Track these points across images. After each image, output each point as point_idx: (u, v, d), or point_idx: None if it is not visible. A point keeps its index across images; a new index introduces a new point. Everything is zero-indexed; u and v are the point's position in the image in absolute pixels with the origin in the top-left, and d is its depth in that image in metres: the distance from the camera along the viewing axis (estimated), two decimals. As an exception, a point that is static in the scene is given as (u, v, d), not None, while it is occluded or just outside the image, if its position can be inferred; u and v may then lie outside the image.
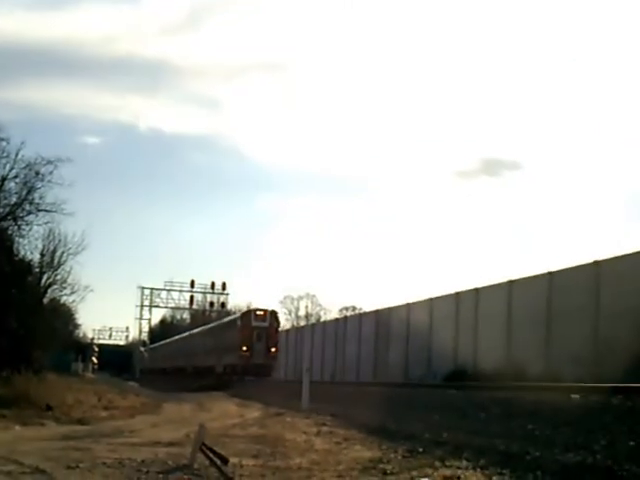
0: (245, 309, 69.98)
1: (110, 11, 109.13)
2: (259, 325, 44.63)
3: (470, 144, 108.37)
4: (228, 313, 75.63)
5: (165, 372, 72.67)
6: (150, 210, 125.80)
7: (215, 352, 51.80)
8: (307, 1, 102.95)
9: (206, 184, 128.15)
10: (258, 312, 45.68)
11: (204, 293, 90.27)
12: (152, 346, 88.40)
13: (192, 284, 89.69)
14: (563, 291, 24.93)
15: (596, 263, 23.33)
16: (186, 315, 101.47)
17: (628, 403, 11.90)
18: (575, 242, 75.65)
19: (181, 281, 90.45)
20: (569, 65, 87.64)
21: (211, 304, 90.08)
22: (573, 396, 13.84)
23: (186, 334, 69.50)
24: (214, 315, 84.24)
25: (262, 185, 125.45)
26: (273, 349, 44.94)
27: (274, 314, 46.46)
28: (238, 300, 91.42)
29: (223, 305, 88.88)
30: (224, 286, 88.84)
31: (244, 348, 44.21)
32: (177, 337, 73.36)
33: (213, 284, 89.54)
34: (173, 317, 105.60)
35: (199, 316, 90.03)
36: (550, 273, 25.85)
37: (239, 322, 46.09)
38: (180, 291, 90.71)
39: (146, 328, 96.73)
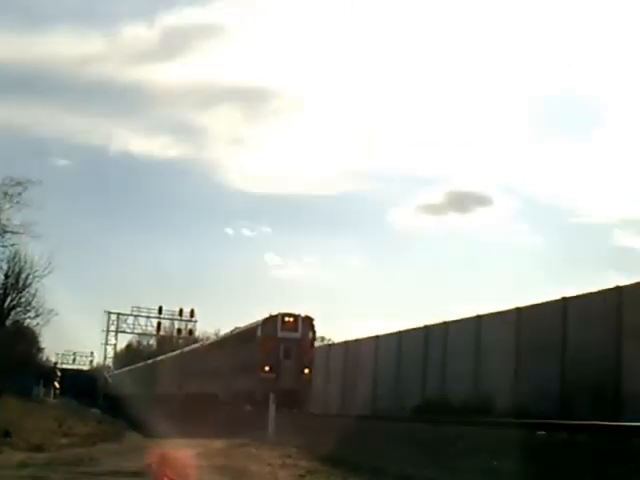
0: (213, 334, 61.54)
1: (84, 35, 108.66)
2: (288, 336, 32.07)
3: (438, 178, 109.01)
4: (195, 340, 74.81)
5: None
6: (118, 234, 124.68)
7: (219, 375, 40.04)
8: (281, 32, 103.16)
9: (176, 210, 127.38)
10: (287, 318, 32.48)
11: (172, 320, 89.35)
12: (119, 371, 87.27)
13: (160, 310, 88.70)
14: (531, 327, 25.02)
15: (564, 299, 23.47)
16: (153, 341, 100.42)
17: (592, 441, 11.91)
18: (542, 279, 76.23)
19: (148, 307, 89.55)
20: (533, 101, 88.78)
21: (179, 331, 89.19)
22: (539, 432, 13.83)
23: (172, 354, 60.28)
24: (181, 342, 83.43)
25: (234, 212, 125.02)
26: (307, 370, 32.13)
27: (309, 321, 32.66)
28: (206, 327, 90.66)
29: (191, 332, 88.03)
30: (192, 313, 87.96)
31: (266, 368, 31.66)
32: (153, 360, 67.07)
33: (181, 311, 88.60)
34: (139, 343, 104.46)
35: (166, 343, 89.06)
36: (518, 309, 25.95)
37: (259, 332, 33.11)
38: (147, 317, 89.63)
39: (111, 353, 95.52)
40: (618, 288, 21.24)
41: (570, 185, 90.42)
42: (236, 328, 39.06)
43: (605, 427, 13.25)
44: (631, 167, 78.88)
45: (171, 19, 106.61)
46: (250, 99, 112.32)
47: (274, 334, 32.09)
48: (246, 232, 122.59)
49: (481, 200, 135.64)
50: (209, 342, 47.91)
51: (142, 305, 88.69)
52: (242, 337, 36.87)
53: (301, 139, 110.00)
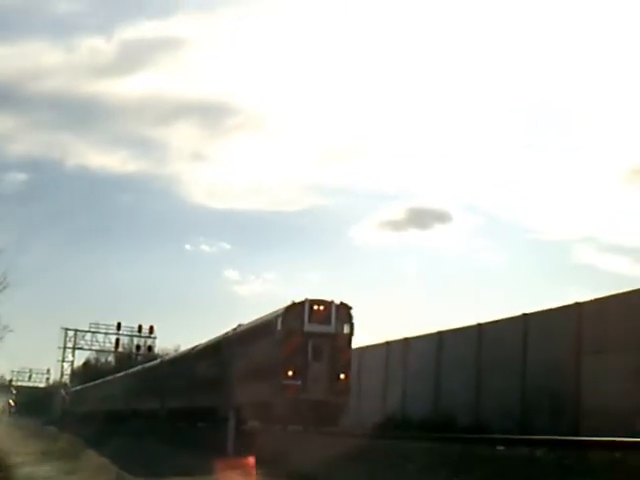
0: (181, 348, 56.64)
1: (44, 48, 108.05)
2: (319, 330, 24.97)
3: (398, 195, 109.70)
4: (155, 357, 73.96)
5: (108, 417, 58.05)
6: (76, 250, 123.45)
7: (219, 384, 32.11)
8: (242, 47, 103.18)
9: (135, 225, 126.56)
10: (317, 306, 25.21)
11: (131, 336, 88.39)
12: (78, 388, 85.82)
13: (118, 326, 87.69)
14: (492, 343, 25.12)
15: (524, 315, 23.61)
16: (111, 358, 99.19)
17: (552, 455, 11.94)
18: (502, 295, 76.92)
19: (107, 323, 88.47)
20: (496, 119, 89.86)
21: (137, 347, 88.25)
22: (499, 448, 13.83)
23: (150, 364, 54.13)
24: (140, 359, 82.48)
25: (193, 228, 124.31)
26: (342, 375, 24.95)
27: (345, 310, 25.27)
28: (166, 344, 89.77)
29: (150, 349, 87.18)
30: (151, 329, 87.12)
31: (289, 372, 24.58)
32: (125, 373, 60.58)
33: (140, 327, 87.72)
34: (97, 360, 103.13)
35: (124, 359, 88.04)
36: (479, 325, 26.06)
37: (280, 325, 25.60)
38: (106, 333, 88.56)
39: (68, 370, 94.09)
40: (578, 304, 21.43)
41: (530, 203, 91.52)
42: (239, 325, 32.15)
43: (564, 442, 13.30)
44: (590, 185, 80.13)
45: (130, 33, 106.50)
46: (211, 114, 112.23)
47: (300, 327, 24.87)
48: (205, 248, 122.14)
49: (441, 217, 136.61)
50: (202, 346, 38.71)
51: (100, 321, 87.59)
52: (255, 333, 28.95)
53: (262, 154, 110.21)
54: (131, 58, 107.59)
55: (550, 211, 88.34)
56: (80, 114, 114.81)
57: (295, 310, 25.15)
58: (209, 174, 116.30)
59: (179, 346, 73.18)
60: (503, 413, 22.85)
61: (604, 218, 78.64)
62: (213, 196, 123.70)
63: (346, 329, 25.14)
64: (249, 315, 31.08)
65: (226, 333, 33.07)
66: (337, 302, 25.15)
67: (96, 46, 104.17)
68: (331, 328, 24.86)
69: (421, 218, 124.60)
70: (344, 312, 25.15)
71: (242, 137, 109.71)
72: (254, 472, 16.97)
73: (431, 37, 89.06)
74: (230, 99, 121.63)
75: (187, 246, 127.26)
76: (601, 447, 11.82)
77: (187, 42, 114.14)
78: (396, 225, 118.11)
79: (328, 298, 25.21)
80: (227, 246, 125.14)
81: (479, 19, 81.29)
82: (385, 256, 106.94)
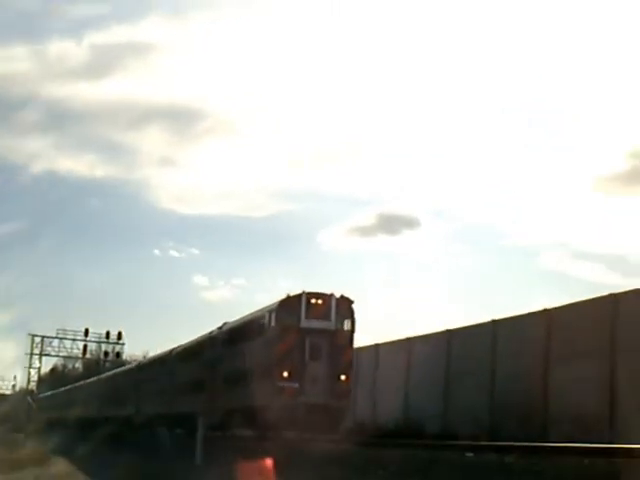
0: (150, 354, 56.19)
1: (10, 50, 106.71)
2: (317, 326, 22.89)
3: (368, 201, 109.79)
4: (123, 363, 73.34)
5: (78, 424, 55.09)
6: (43, 255, 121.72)
7: (201, 388, 30.09)
8: (212, 52, 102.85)
9: (103, 230, 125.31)
10: (315, 300, 23.06)
11: (99, 342, 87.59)
12: (50, 393, 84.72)
13: (86, 332, 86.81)
14: (461, 349, 25.24)
15: (493, 322, 23.76)
16: (79, 364, 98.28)
17: (521, 462, 12.02)
18: (471, 301, 77.35)
19: (74, 329, 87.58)
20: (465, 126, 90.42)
21: (105, 354, 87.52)
22: (467, 454, 13.90)
23: (123, 368, 52.72)
24: (108, 365, 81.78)
25: (161, 233, 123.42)
26: (343, 376, 22.94)
27: (346, 305, 23.23)
28: (134, 350, 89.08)
29: (118, 355, 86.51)
30: (120, 336, 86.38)
31: (285, 373, 22.51)
32: (98, 378, 58.63)
33: (108, 333, 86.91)
34: (65, 366, 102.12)
35: (92, 366, 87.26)
36: (448, 331, 26.17)
37: (274, 320, 23.50)
38: (73, 339, 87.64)
39: (35, 377, 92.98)
40: (546, 311, 21.61)
41: (502, 208, 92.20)
42: (225, 324, 29.66)
43: (532, 448, 13.38)
44: (563, 191, 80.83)
45: (100, 37, 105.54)
46: (181, 118, 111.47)
47: (296, 323, 22.74)
48: (174, 253, 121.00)
49: (410, 222, 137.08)
50: (183, 347, 35.94)
51: (68, 327, 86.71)
52: (245, 330, 26.55)
53: (232, 159, 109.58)
54: (101, 62, 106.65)
55: (522, 217, 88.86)
56: (48, 118, 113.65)
57: (290, 304, 22.88)
58: (178, 179, 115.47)
59: (147, 352, 72.78)
60: (472, 419, 22.96)
61: (576, 224, 79.39)
62: (182, 201, 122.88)
63: (347, 325, 23.12)
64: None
65: (210, 332, 30.90)
66: (337, 295, 23.03)
67: (66, 50, 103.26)
68: (331, 324, 22.80)
69: (390, 224, 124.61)
70: (345, 306, 23.09)
71: (212, 142, 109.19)
72: (272, 475, 16.75)
73: (413, 39, 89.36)
74: (200, 104, 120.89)
75: (156, 251, 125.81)
76: (570, 453, 11.91)
77: (157, 46, 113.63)
78: (365, 231, 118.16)
79: (327, 291, 23.15)
80: (196, 251, 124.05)
81: (464, 17, 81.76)
82: (354, 262, 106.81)
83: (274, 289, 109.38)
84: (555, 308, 21.48)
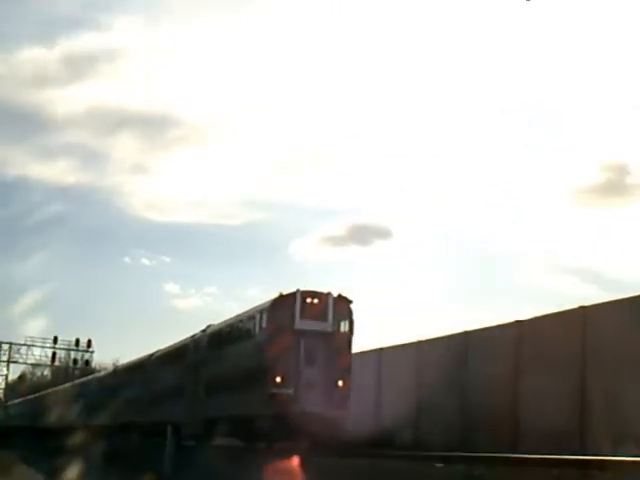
0: (120, 362, 55.02)
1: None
2: (313, 328, 21.45)
3: (340, 211, 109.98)
4: (92, 371, 72.62)
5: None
6: (12, 261, 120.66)
7: (182, 395, 28.36)
8: (185, 59, 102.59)
9: (74, 237, 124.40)
10: (310, 298, 21.55)
11: (68, 350, 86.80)
12: (18, 400, 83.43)
13: (55, 340, 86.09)
14: (432, 359, 25.20)
15: (465, 333, 23.75)
16: (47, 372, 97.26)
17: (490, 473, 11.97)
18: (445, 311, 77.53)
19: (43, 337, 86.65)
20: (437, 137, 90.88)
21: (74, 361, 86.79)
22: (437, 465, 13.83)
23: (98, 374, 50.65)
24: (77, 373, 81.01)
25: (133, 240, 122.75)
26: (341, 382, 21.34)
27: (344, 305, 21.90)
28: (103, 358, 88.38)
29: (87, 363, 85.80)
30: (89, 343, 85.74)
31: (278, 379, 20.86)
32: (72, 384, 56.83)
33: (78, 341, 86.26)
34: (33, 374, 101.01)
35: (61, 373, 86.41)
36: (419, 342, 26.12)
37: (266, 321, 21.90)
38: (42, 347, 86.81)
39: (3, 385, 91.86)
40: (518, 322, 21.63)
41: (475, 219, 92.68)
42: (209, 326, 27.77)
43: (502, 459, 13.34)
44: (540, 202, 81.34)
45: (72, 43, 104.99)
46: (153, 126, 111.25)
47: (290, 324, 21.14)
48: (145, 261, 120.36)
49: (381, 233, 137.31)
50: (163, 351, 33.63)
51: (36, 335, 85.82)
52: (233, 332, 24.74)
53: (204, 167, 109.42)
54: (73, 68, 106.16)
55: (495, 228, 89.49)
56: (19, 124, 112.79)
57: (284, 303, 21.32)
58: (151, 186, 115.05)
59: (117, 360, 72.17)
60: (443, 431, 22.91)
61: (551, 236, 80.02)
62: (154, 208, 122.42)
63: (345, 327, 21.68)
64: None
65: (193, 335, 29.28)
66: (335, 294, 21.70)
67: (37, 56, 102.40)
68: (327, 325, 21.32)
69: (362, 234, 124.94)
70: (343, 306, 21.66)
71: (184, 150, 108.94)
72: (300, 473, 16.40)
73: (392, 42, 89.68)
74: (172, 111, 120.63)
75: (127, 259, 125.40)
76: (539, 464, 11.88)
77: (129, 53, 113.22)
78: (337, 241, 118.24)
79: (324, 290, 21.74)
80: (167, 259, 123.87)
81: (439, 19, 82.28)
82: (326, 272, 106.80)
83: (246, 298, 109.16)
84: (526, 320, 21.51)
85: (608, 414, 17.27)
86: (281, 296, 21.46)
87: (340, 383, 21.07)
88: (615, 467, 10.46)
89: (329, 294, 21.51)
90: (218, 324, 27.05)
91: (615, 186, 71.00)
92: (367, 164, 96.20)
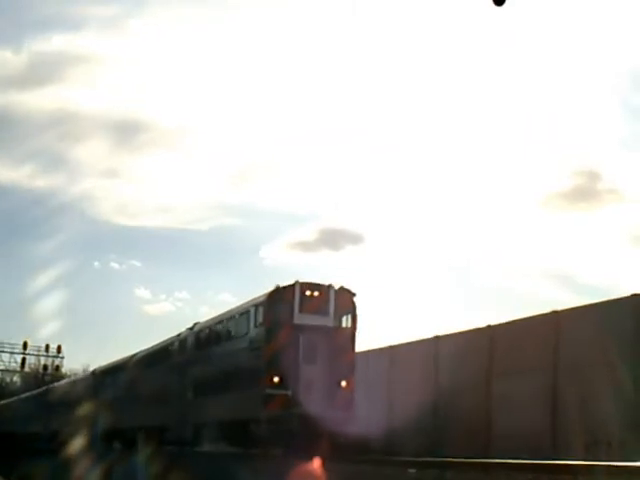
0: (90, 368, 53.04)
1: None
2: (313, 323, 19.80)
3: (310, 216, 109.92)
4: (62, 377, 71.86)
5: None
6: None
7: (167, 398, 26.56)
8: (155, 63, 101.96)
9: (42, 242, 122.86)
10: (309, 291, 19.88)
11: (37, 355, 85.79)
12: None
13: (25, 346, 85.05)
14: (404, 365, 25.15)
15: (437, 338, 23.73)
16: (17, 378, 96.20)
17: (461, 476, 11.91)
18: (414, 316, 77.58)
19: (12, 342, 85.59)
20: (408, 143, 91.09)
21: (44, 367, 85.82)
22: (410, 470, 13.74)
23: (79, 376, 48.10)
24: (47, 379, 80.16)
25: (102, 245, 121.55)
26: (344, 382, 19.74)
27: (347, 297, 20.34)
28: (74, 364, 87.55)
29: (57, 368, 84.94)
30: (59, 349, 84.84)
31: (275, 379, 19.17)
32: (46, 388, 55.16)
33: (47, 346, 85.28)
34: (2, 380, 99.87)
35: (31, 379, 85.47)
36: (391, 347, 26.07)
37: (262, 315, 20.15)
38: (11, 353, 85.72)
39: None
40: (489, 327, 21.64)
41: (445, 225, 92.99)
42: (196, 324, 26.07)
43: (474, 464, 13.28)
44: (508, 208, 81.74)
45: (40, 46, 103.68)
46: (123, 130, 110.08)
47: (288, 319, 19.51)
48: (115, 265, 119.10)
49: (353, 238, 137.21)
50: (145, 352, 31.44)
51: (5, 340, 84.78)
52: (225, 328, 22.85)
53: (174, 172, 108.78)
54: (41, 71, 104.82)
55: (468, 233, 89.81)
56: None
57: (282, 296, 19.71)
58: (120, 190, 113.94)
59: (88, 366, 71.51)
60: (415, 435, 22.84)
61: (524, 240, 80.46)
62: (124, 213, 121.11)
63: (348, 321, 20.06)
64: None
65: (179, 334, 27.33)
66: (336, 286, 20.07)
67: (4, 58, 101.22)
68: (329, 320, 19.74)
69: (333, 239, 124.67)
70: (346, 299, 20.04)
71: (154, 154, 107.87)
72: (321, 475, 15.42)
73: (353, 46, 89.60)
74: (141, 115, 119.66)
75: (96, 263, 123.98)
76: (511, 469, 11.82)
77: (99, 57, 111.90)
78: (308, 246, 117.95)
79: (324, 282, 20.05)
80: (138, 264, 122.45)
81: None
82: (297, 277, 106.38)
83: (217, 303, 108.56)
84: (498, 324, 21.53)
85: (580, 418, 17.30)
86: (278, 288, 19.82)
87: (343, 383, 19.58)
88: (587, 472, 10.42)
89: (330, 286, 19.98)
90: (207, 321, 25.27)
91: (586, 191, 71.68)
92: (339, 168, 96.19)
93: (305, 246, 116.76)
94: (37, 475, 24.98)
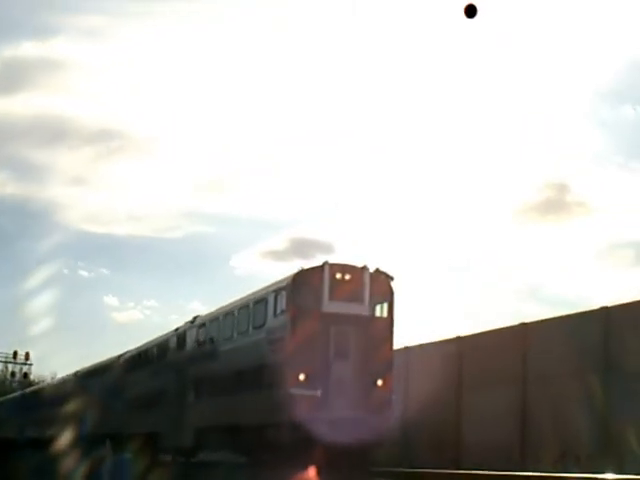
0: (59, 375, 51.77)
1: None
2: (345, 311, 17.16)
3: (281, 225, 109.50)
4: (31, 384, 71.01)
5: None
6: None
7: (157, 401, 24.41)
8: (127, 70, 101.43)
9: (11, 248, 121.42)
10: (340, 274, 17.28)
11: (5, 362, 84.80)
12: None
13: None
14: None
15: (406, 348, 23.76)
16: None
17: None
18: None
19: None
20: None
21: (12, 374, 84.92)
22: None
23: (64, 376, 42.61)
24: (15, 385, 79.33)
25: (72, 252, 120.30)
26: (380, 381, 17.20)
27: (384, 282, 17.74)
28: (42, 371, 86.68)
29: (25, 375, 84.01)
30: (27, 356, 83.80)
31: (300, 377, 16.53)
32: (23, 392, 52.68)
33: (15, 353, 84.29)
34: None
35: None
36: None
37: (284, 301, 17.48)
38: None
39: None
40: (458, 338, 21.72)
41: (416, 236, 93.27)
42: (197, 317, 23.55)
43: (443, 475, 13.32)
44: (479, 220, 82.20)
45: (11, 52, 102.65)
46: (93, 137, 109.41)
47: (316, 307, 16.89)
48: (84, 273, 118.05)
49: (324, 247, 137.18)
50: (135, 351, 28.68)
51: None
52: (235, 319, 20.09)
53: (144, 180, 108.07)
54: (12, 78, 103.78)
55: (438, 246, 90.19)
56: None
57: (308, 280, 17.02)
58: (90, 198, 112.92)
59: (56, 373, 70.86)
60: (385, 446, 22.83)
61: (494, 252, 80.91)
62: (94, 221, 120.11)
63: (385, 310, 17.41)
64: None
65: (176, 329, 24.80)
66: (371, 269, 17.40)
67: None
68: (364, 308, 17.10)
69: (304, 248, 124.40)
70: (382, 284, 17.40)
71: (124, 162, 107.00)
72: None
73: (307, 62, 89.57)
74: (112, 123, 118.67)
75: (65, 271, 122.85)
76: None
77: (70, 64, 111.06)
78: (279, 255, 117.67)
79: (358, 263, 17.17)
80: (106, 272, 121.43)
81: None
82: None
83: (188, 312, 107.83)
84: (467, 336, 21.61)
85: (549, 430, 17.42)
86: (303, 270, 17.18)
87: (380, 382, 17.01)
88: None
89: (365, 268, 17.25)
90: (211, 313, 22.60)
91: (556, 204, 72.32)
92: (309, 177, 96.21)
93: (276, 255, 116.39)
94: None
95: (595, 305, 17.76)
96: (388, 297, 17.46)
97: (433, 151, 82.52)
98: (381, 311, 17.46)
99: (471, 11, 11.23)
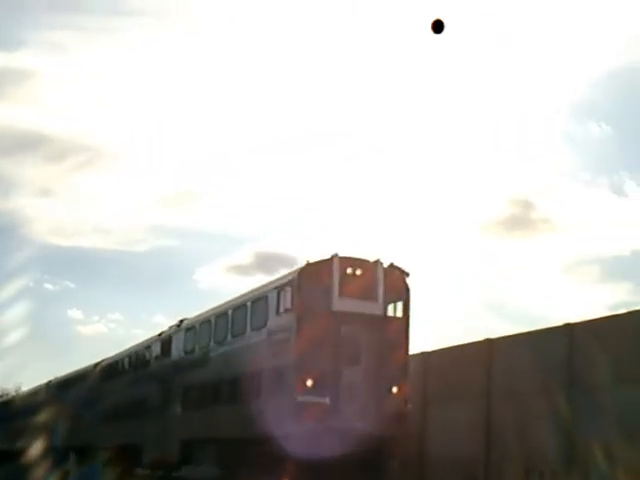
0: (23, 388, 49.50)
1: None
2: (356, 310, 15.78)
3: (246, 239, 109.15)
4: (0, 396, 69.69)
5: None
6: None
7: (139, 411, 22.58)
8: (94, 81, 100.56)
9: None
10: (351, 268, 15.79)
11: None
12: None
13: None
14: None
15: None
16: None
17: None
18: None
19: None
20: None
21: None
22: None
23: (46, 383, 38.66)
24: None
25: (36, 265, 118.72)
26: (395, 388, 16.17)
27: (399, 277, 16.39)
28: (6, 384, 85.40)
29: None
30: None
31: (308, 382, 15.01)
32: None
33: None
34: None
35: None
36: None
37: (289, 298, 15.83)
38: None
39: None
40: (424, 354, 21.70)
41: (382, 249, 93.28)
42: (183, 320, 21.74)
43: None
44: (441, 233, 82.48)
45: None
46: (59, 149, 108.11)
47: (325, 305, 15.40)
48: (48, 286, 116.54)
49: (287, 261, 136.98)
50: (112, 359, 26.87)
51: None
52: (230, 320, 18.27)
53: (111, 192, 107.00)
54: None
55: (401, 258, 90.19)
56: None
57: (316, 275, 15.48)
58: (55, 210, 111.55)
59: (20, 386, 69.75)
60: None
61: (459, 267, 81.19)
62: (58, 233, 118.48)
63: (400, 309, 16.10)
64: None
65: (160, 334, 23.04)
66: (385, 264, 15.89)
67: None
68: (377, 307, 15.72)
69: (268, 263, 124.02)
70: (397, 280, 16.01)
71: (91, 174, 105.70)
72: None
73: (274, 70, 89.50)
74: (78, 135, 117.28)
75: (30, 284, 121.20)
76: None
77: (37, 75, 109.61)
78: (243, 269, 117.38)
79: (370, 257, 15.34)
80: (71, 285, 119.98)
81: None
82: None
83: (151, 325, 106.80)
84: (432, 351, 21.60)
85: (513, 444, 17.43)
86: (310, 264, 15.62)
87: (394, 389, 15.92)
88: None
89: (378, 262, 15.81)
90: (200, 314, 20.63)
91: (522, 220, 72.97)
92: (274, 191, 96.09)
93: (240, 269, 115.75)
94: None
95: (560, 321, 17.86)
96: (403, 295, 16.18)
97: (399, 164, 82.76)
98: (395, 310, 16.15)
99: (438, 27, 11.19)
